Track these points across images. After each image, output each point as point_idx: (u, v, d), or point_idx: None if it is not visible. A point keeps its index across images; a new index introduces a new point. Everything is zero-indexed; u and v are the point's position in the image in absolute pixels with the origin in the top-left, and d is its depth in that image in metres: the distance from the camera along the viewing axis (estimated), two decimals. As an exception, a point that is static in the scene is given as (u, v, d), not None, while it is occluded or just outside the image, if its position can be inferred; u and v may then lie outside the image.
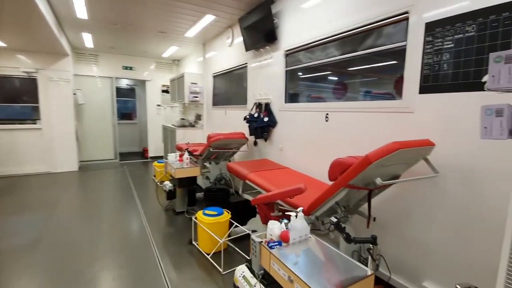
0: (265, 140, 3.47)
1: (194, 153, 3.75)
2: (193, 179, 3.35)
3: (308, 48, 2.86)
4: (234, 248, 2.65)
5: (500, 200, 1.50)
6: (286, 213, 1.54)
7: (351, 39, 2.42)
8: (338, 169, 1.58)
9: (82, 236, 2.87)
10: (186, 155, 3.54)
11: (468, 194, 1.64)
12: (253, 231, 2.50)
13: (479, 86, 1.58)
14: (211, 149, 3.47)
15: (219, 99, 5.05)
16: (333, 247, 1.48)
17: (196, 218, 2.60)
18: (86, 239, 2.82)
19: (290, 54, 3.12)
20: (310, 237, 1.50)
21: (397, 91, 2.15)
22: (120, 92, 7.76)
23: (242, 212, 3.13)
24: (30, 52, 5.24)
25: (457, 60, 1.68)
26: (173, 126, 5.69)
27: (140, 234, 2.95)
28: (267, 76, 3.49)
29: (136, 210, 3.65)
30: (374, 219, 1.84)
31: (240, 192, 3.02)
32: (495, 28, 1.50)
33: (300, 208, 1.47)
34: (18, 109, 5.49)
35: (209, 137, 3.46)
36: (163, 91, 7.24)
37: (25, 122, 5.43)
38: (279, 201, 2.03)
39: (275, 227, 1.44)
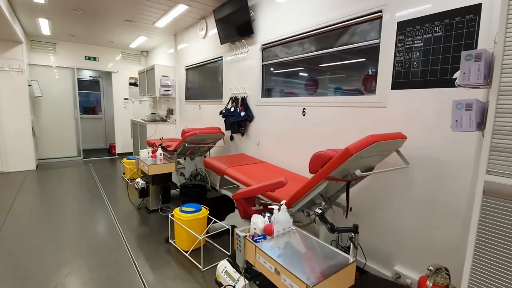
0: (242, 134, 3.46)
1: (168, 149, 3.62)
2: (168, 175, 3.24)
3: (284, 42, 2.87)
4: (212, 244, 2.62)
5: (463, 189, 1.64)
6: (269, 206, 1.55)
7: (327, 36, 2.47)
8: (319, 162, 1.61)
9: (44, 241, 2.65)
10: (159, 151, 3.40)
11: (434, 183, 1.77)
12: (232, 226, 2.49)
13: (445, 83, 1.70)
14: (186, 144, 3.37)
15: (193, 93, 4.91)
16: (315, 238, 1.52)
17: (172, 215, 2.51)
18: (49, 244, 2.60)
19: (267, 48, 3.12)
20: (293, 229, 1.53)
21: (365, 88, 2.26)
22: (82, 84, 7.23)
23: (220, 207, 3.10)
24: (-26, 37, 4.65)
25: (426, 58, 1.80)
26: (143, 121, 5.43)
27: (111, 236, 2.79)
28: (243, 70, 3.46)
29: (105, 210, 3.44)
30: (350, 209, 1.93)
31: (217, 187, 2.99)
32: (460, 29, 1.62)
33: (283, 201, 1.48)
34: (-40, 101, 4.87)
35: (184, 132, 3.35)
36: (131, 83, 6.87)
37: (-30, 117, 4.83)
38: (260, 195, 2.04)
39: (258, 221, 1.44)
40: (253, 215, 1.50)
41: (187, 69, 4.98)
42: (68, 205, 3.59)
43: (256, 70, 3.22)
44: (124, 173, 4.99)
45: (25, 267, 2.22)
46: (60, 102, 6.16)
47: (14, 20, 4.25)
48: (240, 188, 2.60)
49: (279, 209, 1.50)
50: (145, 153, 3.37)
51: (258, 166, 2.80)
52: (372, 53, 2.15)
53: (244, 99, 3.39)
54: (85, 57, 6.25)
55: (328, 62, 2.57)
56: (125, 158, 4.86)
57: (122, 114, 6.83)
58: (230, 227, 2.39)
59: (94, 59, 6.36)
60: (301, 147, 2.70)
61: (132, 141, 6.44)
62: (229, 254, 2.43)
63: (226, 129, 3.63)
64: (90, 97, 7.76)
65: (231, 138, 3.69)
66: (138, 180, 3.52)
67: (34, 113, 5.76)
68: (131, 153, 6.62)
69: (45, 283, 2.04)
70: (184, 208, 2.50)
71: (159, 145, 3.42)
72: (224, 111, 3.57)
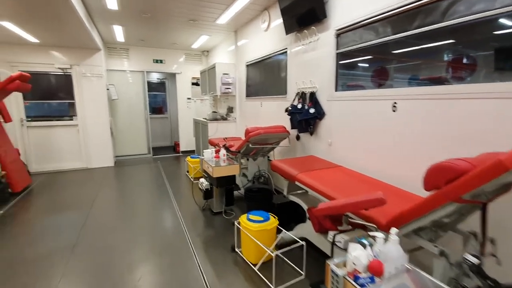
0: (311, 134, 3.09)
1: (231, 149, 3.48)
2: (232, 177, 3.08)
3: (367, 24, 2.39)
4: (283, 258, 2.34)
5: None
6: (371, 233, 1.18)
7: (429, 8, 1.93)
8: (443, 177, 1.17)
9: (120, 238, 2.74)
10: (222, 151, 3.27)
11: None
12: (304, 239, 2.17)
13: None
14: (250, 145, 3.16)
15: (254, 90, 4.71)
16: (435, 280, 1.10)
17: (239, 223, 2.32)
18: (124, 241, 2.68)
19: (342, 34, 2.68)
20: (407, 267, 1.13)
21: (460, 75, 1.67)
22: (150, 86, 7.71)
23: (287, 214, 2.82)
24: (63, 47, 5.25)
25: None
26: (204, 120, 5.48)
27: (179, 237, 2.75)
28: (312, 62, 3.08)
29: (172, 209, 3.48)
30: (483, 237, 1.41)
31: (285, 193, 2.70)
32: None
33: (395, 230, 1.10)
34: (54, 105, 5.59)
35: (247, 132, 3.15)
36: (193, 83, 7.06)
37: (63, 119, 5.51)
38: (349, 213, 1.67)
39: (361, 255, 1.09)
40: (350, 244, 1.16)
41: (247, 66, 4.80)
42: (140, 202, 3.76)
43: (329, 60, 2.81)
44: (188, 171, 5.09)
45: (103, 264, 2.29)
46: (132, 103, 6.67)
47: (93, 29, 4.63)
48: (313, 196, 2.26)
49: (385, 239, 1.12)
50: (209, 153, 3.27)
51: (335, 172, 2.41)
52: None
53: (313, 94, 3.01)
54: (153, 60, 6.62)
55: (432, 41, 2.02)
56: (189, 157, 4.95)
57: (185, 113, 7.09)
58: (303, 244, 2.07)
59: (161, 61, 6.69)
60: (392, 151, 2.21)
61: (194, 140, 6.61)
62: (301, 272, 2.12)
63: (292, 128, 3.31)
64: (157, 98, 8.29)
65: (298, 137, 3.36)
66: (202, 180, 3.46)
67: (111, 114, 6.33)
68: (194, 151, 6.82)
69: (123, 282, 2.04)
70: (251, 217, 2.28)
71: (223, 146, 3.29)
72: (290, 108, 3.25)
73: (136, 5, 3.83)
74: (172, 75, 7.32)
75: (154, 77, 8.01)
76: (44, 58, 5.15)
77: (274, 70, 3.99)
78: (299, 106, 3.12)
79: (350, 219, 1.65)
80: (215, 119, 5.39)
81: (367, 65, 2.60)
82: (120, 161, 6.40)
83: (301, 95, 3.19)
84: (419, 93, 1.97)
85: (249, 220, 2.26)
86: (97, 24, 4.66)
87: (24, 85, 4.03)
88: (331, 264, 1.11)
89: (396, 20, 2.16)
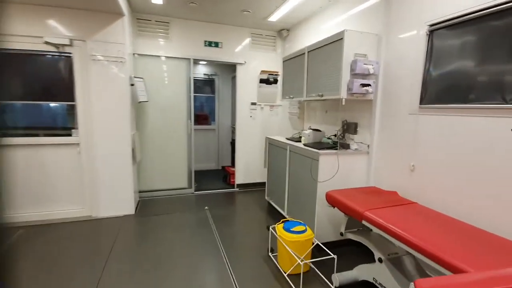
0: None
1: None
2: None
3: None
4: None
5: None
6: None
7: None
8: None
9: None
10: None
11: None
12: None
13: None
14: None
15: (463, 85, 1.99)
16: None
17: None
18: None
19: None
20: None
21: None
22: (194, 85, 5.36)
23: None
24: (58, 8, 2.96)
25: None
26: (304, 147, 2.87)
27: None
28: None
29: None
30: None
31: None
32: None
33: None
34: (43, 110, 3.30)
35: None
36: (262, 80, 4.53)
37: (55, 133, 3.21)
38: None
39: None
40: None
41: (431, 32, 2.13)
42: None
43: None
44: (273, 253, 2.50)
45: None
46: (169, 109, 4.24)
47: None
48: None
49: None
50: None
51: None
52: None
53: None
54: (205, 42, 4.19)
55: None
56: (280, 227, 2.35)
57: (247, 125, 4.56)
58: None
59: (216, 45, 4.25)
60: None
61: (265, 171, 4.02)
62: None
63: None
64: (201, 101, 5.92)
65: None
66: None
67: (136, 126, 3.97)
68: (262, 184, 4.24)
69: None
70: None
71: None
72: None
73: None
74: (227, 70, 4.91)
75: (200, 72, 5.63)
76: (25, 26, 2.88)
77: None
78: None
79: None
80: (324, 146, 2.76)
81: None
82: (145, 202, 3.99)
83: None
84: None
85: None
86: None
87: None
88: None
89: None
